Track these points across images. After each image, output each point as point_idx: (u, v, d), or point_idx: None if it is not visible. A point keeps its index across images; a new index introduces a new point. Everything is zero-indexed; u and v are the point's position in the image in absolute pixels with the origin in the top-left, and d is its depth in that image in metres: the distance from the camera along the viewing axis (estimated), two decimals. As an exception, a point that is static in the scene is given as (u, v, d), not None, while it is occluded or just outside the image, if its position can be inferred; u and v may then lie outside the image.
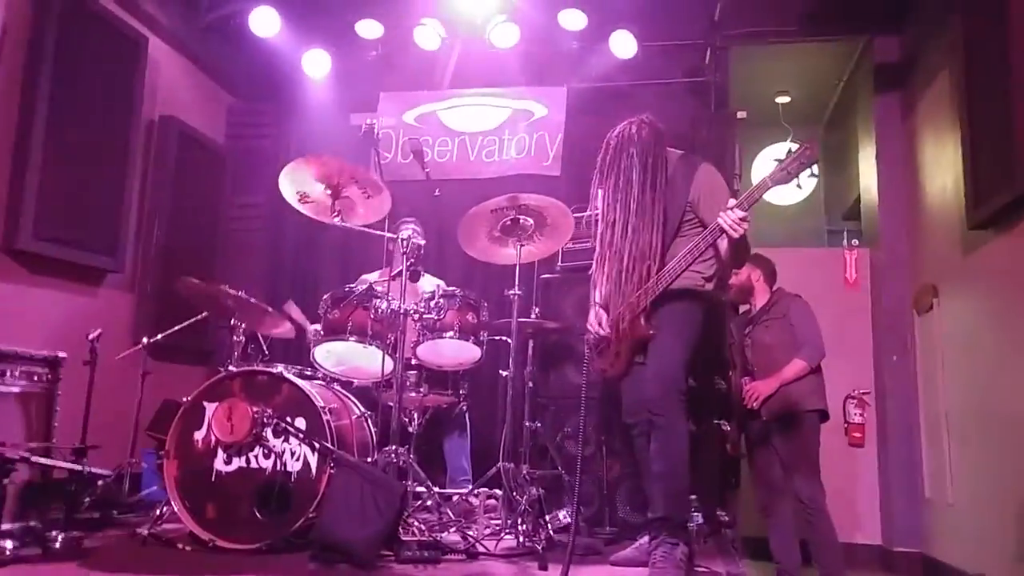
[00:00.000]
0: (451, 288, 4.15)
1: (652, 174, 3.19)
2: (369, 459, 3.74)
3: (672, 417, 3.08)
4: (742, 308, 4.64)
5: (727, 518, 4.44)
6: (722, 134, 5.48)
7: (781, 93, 6.92)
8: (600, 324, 3.38)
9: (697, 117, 5.54)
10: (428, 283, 4.59)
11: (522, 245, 3.79)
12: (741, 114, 5.46)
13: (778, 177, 2.89)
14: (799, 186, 2.99)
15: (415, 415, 4.12)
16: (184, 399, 3.62)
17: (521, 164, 5.59)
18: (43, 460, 3.43)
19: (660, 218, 3.15)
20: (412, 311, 3.80)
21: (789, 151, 2.89)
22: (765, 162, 7.05)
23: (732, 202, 2.94)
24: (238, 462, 3.42)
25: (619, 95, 5.66)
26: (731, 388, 4.26)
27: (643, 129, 3.27)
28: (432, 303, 3.93)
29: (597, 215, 3.37)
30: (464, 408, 4.36)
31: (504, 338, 4.16)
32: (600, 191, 3.36)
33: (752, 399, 4.02)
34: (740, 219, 2.87)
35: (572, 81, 5.76)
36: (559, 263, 4.80)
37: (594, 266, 3.47)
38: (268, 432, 3.39)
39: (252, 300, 3.92)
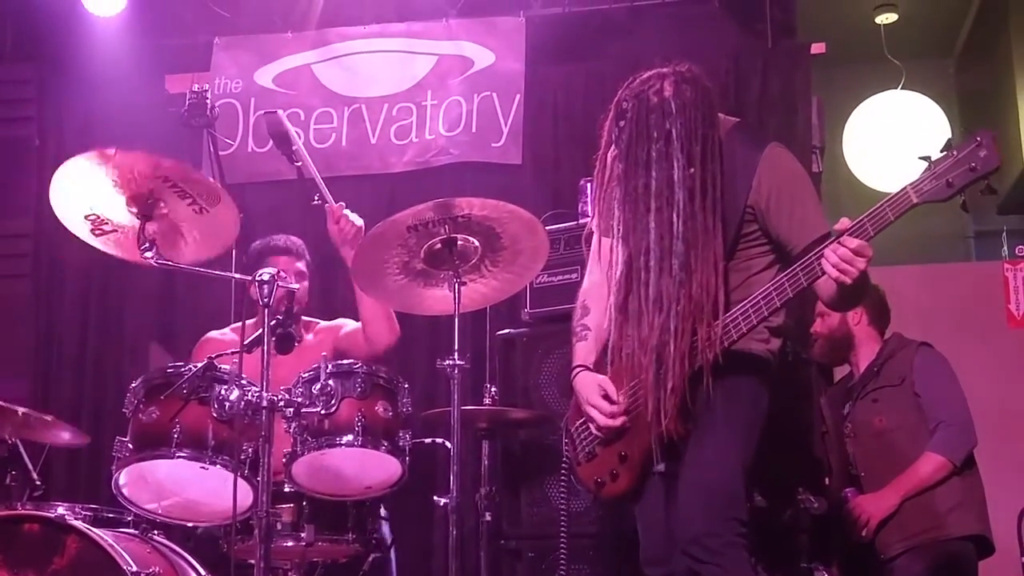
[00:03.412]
0: (347, 361, 3.88)
1: (703, 169, 3.03)
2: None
3: (728, 564, 2.93)
4: (838, 372, 4.52)
5: None
6: (787, 81, 5.07)
7: (884, 7, 6.45)
8: (606, 396, 3.13)
9: (744, 54, 5.17)
10: (311, 349, 4.28)
11: (462, 284, 3.63)
12: (818, 47, 5.12)
13: (929, 189, 2.65)
14: (965, 206, 2.71)
15: (294, 579, 3.75)
16: None
17: (456, 147, 5.40)
18: None
19: (720, 245, 3.02)
20: (281, 403, 3.53)
21: (948, 144, 2.68)
22: (863, 127, 6.58)
23: (844, 222, 2.75)
24: None
25: (614, 25, 5.23)
26: (829, 508, 4.03)
27: (684, 89, 3.08)
28: (315, 388, 3.67)
29: (598, 228, 3.26)
30: (380, 563, 4.09)
31: (439, 440, 3.96)
32: (611, 190, 3.16)
33: (861, 525, 3.92)
34: (855, 254, 2.71)
35: (535, 6, 5.37)
36: (527, 309, 4.60)
37: (579, 305, 3.31)
38: (43, 623, 3.16)
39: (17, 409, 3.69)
